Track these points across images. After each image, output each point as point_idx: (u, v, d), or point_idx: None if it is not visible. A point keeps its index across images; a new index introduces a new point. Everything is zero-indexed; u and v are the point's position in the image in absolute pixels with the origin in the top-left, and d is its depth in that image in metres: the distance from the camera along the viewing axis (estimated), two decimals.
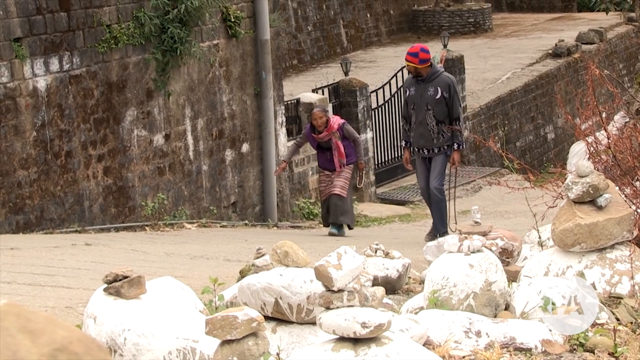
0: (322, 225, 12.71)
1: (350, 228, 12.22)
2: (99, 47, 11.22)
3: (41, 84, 10.51)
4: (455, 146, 10.63)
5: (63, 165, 10.77)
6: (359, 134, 17.12)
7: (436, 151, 10.60)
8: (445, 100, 10.54)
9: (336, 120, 11.90)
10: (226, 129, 13.45)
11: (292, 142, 12.54)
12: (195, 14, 12.28)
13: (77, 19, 10.94)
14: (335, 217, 11.85)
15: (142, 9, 11.79)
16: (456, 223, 11.06)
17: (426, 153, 10.67)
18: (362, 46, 27.39)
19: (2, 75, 10.06)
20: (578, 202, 5.10)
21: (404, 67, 19.29)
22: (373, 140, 17.62)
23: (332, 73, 20.94)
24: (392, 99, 18.55)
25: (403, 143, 11.06)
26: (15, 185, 10.20)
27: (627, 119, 8.38)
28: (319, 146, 11.94)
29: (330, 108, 16.47)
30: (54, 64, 10.67)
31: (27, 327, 1.80)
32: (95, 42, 11.18)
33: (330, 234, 11.82)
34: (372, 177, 17.46)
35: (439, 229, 10.73)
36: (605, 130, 6.52)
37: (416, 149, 10.75)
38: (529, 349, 4.21)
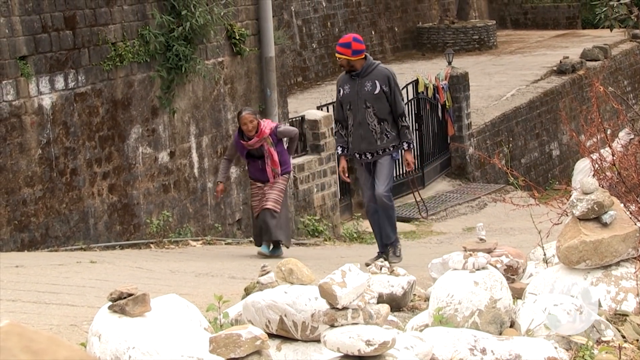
0: (326, 243, 12.58)
1: (286, 247, 10.77)
2: (104, 65, 11.25)
3: (46, 101, 10.54)
4: (405, 146, 9.47)
5: (68, 182, 10.79)
6: None
7: (381, 153, 9.46)
8: (385, 95, 9.38)
9: (268, 125, 10.37)
10: None
11: (222, 160, 11.13)
12: (200, 32, 12.31)
13: (82, 37, 10.98)
14: (269, 234, 10.34)
15: (147, 27, 11.83)
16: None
17: (370, 158, 9.49)
18: None
19: (8, 93, 10.09)
20: (583, 219, 5.09)
21: (409, 83, 19.36)
22: None
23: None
24: None
25: (339, 150, 9.70)
26: (21, 202, 10.21)
27: (632, 136, 8.38)
28: (249, 154, 10.46)
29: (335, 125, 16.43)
30: (59, 82, 10.70)
31: (30, 347, 1.80)
32: (100, 60, 11.21)
33: (260, 254, 10.33)
34: None
35: (390, 237, 9.76)
36: (610, 147, 6.53)
37: (357, 155, 9.53)
38: None
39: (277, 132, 10.31)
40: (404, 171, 18.74)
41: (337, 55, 9.56)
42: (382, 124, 9.40)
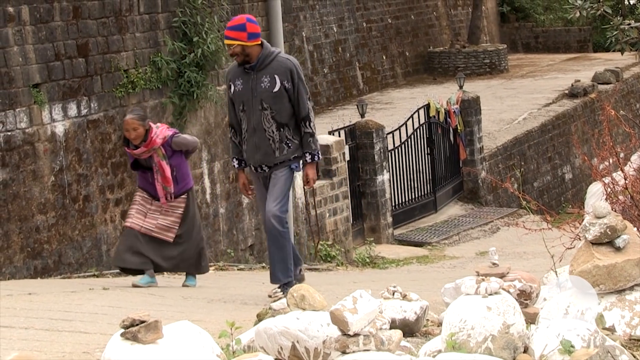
0: (338, 268, 12.49)
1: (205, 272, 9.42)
2: (117, 92, 11.30)
3: (59, 129, 10.58)
4: (308, 158, 7.71)
5: (81, 209, 10.81)
6: (376, 175, 17.07)
7: (280, 167, 7.74)
8: (287, 94, 7.57)
9: (161, 133, 8.61)
10: None
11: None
12: (212, 58, 12.37)
13: (95, 64, 11.04)
14: (186, 267, 9.16)
15: (159, 54, 11.89)
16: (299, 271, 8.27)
17: (267, 171, 7.76)
18: (378, 88, 27.50)
19: (21, 121, 10.14)
20: (596, 243, 5.07)
21: (421, 108, 19.35)
22: (390, 182, 17.61)
23: (348, 115, 21.02)
24: (409, 140, 18.56)
25: (234, 163, 8.04)
26: (34, 230, 10.24)
27: None
28: (138, 164, 8.84)
29: (347, 150, 16.43)
30: (72, 109, 10.75)
31: None
32: (112, 86, 11.26)
33: (135, 285, 8.79)
34: (390, 219, 17.43)
35: (278, 278, 7.88)
36: (622, 171, 6.52)
37: (252, 168, 7.83)
38: None
39: (172, 142, 8.64)
40: (416, 195, 18.71)
41: (227, 42, 7.66)
42: (282, 130, 7.62)
